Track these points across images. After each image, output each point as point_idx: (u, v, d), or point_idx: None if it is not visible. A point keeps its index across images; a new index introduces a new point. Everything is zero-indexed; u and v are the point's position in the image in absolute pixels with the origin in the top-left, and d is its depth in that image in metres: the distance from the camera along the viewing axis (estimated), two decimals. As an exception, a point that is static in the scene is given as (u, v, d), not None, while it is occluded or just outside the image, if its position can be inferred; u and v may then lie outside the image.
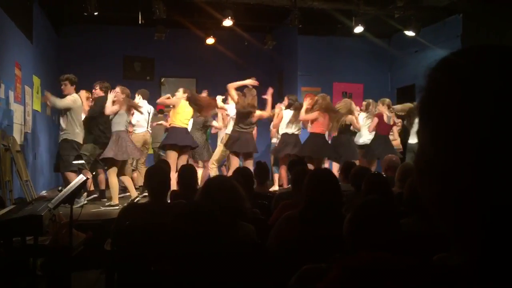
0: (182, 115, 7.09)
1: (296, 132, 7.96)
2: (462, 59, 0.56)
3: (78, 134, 6.88)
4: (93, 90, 7.39)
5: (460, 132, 0.52)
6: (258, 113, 7.38)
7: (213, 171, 7.78)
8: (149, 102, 8.32)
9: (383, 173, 5.64)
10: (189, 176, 4.17)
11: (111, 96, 6.77)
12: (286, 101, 8.15)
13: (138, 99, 8.05)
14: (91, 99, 7.58)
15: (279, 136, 8.22)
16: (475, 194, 0.52)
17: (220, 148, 8.00)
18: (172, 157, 6.80)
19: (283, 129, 7.94)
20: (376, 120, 7.95)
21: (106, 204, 6.64)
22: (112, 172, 6.64)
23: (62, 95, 7.10)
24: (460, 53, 0.58)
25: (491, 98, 0.51)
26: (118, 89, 6.80)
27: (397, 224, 1.98)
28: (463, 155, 0.52)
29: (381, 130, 7.95)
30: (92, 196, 7.14)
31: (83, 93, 7.47)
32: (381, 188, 3.46)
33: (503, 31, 7.32)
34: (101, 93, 7.22)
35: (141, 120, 8.03)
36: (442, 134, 0.54)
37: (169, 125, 7.29)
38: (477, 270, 0.53)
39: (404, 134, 8.38)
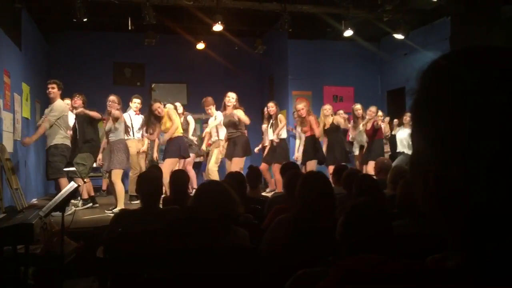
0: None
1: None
2: (454, 61, 0.57)
3: (66, 138, 6.87)
4: (75, 100, 7.37)
5: (455, 133, 0.52)
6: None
7: (214, 175, 7.70)
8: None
9: (374, 175, 5.67)
10: (181, 181, 4.16)
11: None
12: (275, 108, 8.21)
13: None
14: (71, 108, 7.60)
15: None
16: (471, 195, 0.52)
17: (216, 153, 7.97)
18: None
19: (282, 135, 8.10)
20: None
21: (110, 208, 6.64)
22: (119, 178, 6.67)
23: (48, 99, 7.04)
24: (451, 55, 0.58)
25: (485, 99, 0.51)
26: (113, 98, 6.81)
27: (388, 225, 1.98)
28: (458, 157, 0.52)
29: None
30: (88, 205, 7.10)
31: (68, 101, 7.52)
32: (370, 189, 3.47)
33: (491, 32, 7.39)
34: (82, 106, 7.34)
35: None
36: (436, 136, 0.54)
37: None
38: (474, 271, 0.53)
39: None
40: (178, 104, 8.45)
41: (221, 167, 8.21)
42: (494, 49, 0.55)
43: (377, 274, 0.55)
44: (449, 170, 0.53)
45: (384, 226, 1.93)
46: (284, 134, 8.20)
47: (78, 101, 7.38)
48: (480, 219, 0.52)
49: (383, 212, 1.98)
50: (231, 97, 7.59)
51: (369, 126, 8.20)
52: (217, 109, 8.01)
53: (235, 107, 7.56)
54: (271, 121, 8.25)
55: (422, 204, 0.58)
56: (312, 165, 7.73)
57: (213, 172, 7.74)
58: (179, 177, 4.22)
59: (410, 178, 0.59)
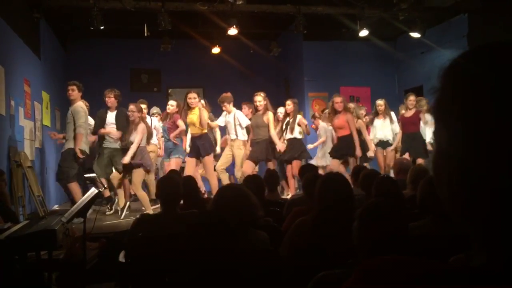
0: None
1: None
2: (476, 58, 0.56)
3: (84, 143, 6.68)
4: (107, 99, 7.05)
5: (479, 130, 0.52)
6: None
7: (223, 175, 7.68)
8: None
9: (394, 175, 5.62)
10: (190, 186, 4.12)
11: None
12: (292, 106, 8.04)
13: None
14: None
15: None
16: (498, 193, 0.51)
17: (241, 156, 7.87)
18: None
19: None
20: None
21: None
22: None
23: (68, 102, 6.97)
24: (472, 52, 0.58)
25: (508, 95, 0.51)
26: (133, 107, 6.86)
27: (404, 225, 1.94)
28: (483, 154, 0.52)
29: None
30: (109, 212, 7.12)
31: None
32: (390, 190, 3.44)
33: (509, 28, 7.28)
34: (115, 102, 7.09)
35: None
36: (461, 133, 0.54)
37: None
38: (501, 270, 0.52)
39: None
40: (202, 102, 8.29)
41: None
42: None
43: (400, 274, 0.54)
44: (475, 165, 0.53)
45: (399, 226, 1.89)
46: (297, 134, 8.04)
47: (113, 99, 7.10)
48: (505, 215, 0.51)
49: (397, 212, 1.94)
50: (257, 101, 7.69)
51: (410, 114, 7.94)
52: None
53: (267, 109, 7.65)
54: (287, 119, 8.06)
55: (447, 202, 0.57)
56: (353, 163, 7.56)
57: (221, 173, 7.65)
58: (187, 183, 4.19)
59: (434, 176, 0.59)
